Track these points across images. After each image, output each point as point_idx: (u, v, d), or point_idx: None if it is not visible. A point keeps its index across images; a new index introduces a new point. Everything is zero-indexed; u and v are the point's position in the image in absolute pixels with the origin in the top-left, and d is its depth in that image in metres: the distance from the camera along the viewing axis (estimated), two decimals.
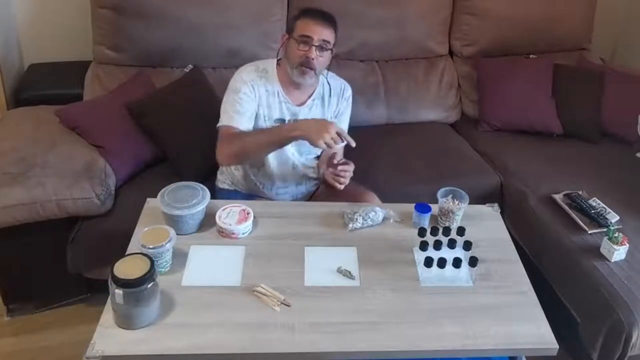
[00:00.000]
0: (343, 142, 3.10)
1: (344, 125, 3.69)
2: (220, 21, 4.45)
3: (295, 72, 3.34)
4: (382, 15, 4.81)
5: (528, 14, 5.02)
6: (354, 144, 3.12)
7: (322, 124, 3.10)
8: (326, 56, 3.36)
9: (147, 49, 4.44)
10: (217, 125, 3.40)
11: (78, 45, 4.73)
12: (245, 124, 3.35)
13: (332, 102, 3.62)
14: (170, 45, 4.44)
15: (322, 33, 3.27)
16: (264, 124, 3.44)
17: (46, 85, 4.52)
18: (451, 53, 5.23)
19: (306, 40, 3.26)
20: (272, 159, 3.54)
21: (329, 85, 3.59)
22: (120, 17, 4.30)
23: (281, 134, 3.22)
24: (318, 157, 3.76)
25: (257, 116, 3.42)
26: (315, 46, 3.26)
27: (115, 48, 4.42)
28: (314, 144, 3.07)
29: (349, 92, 3.69)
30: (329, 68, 3.50)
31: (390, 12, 4.82)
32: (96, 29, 4.40)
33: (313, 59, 3.28)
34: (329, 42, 3.31)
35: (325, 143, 3.02)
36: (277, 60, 3.52)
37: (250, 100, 3.37)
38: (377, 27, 4.84)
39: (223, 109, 3.42)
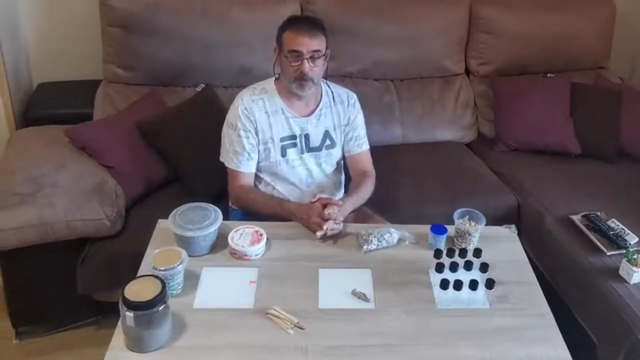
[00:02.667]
0: (338, 223, 3.18)
1: (360, 130, 3.72)
2: (231, 39, 4.48)
3: (294, 85, 3.36)
4: (397, 34, 4.83)
5: (545, 32, 5.04)
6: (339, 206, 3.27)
7: (308, 217, 3.22)
8: (320, 64, 3.36)
9: (158, 68, 4.47)
10: (220, 159, 3.53)
11: (88, 64, 4.75)
12: (245, 165, 3.48)
13: (339, 110, 3.63)
14: (181, 64, 4.47)
15: (310, 44, 3.26)
16: (271, 145, 3.49)
17: (56, 105, 4.53)
18: (467, 72, 5.24)
19: (296, 55, 3.26)
20: (291, 197, 3.60)
21: (332, 93, 3.61)
22: (130, 35, 4.34)
23: (282, 212, 3.36)
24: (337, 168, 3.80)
25: (260, 142, 3.47)
26: (307, 59, 3.26)
27: (126, 67, 4.45)
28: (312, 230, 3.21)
29: (354, 98, 3.70)
30: (332, 81, 3.47)
31: (404, 30, 4.84)
32: (106, 48, 4.44)
33: (307, 72, 3.28)
34: (319, 51, 3.30)
35: (321, 227, 3.13)
36: (276, 76, 3.52)
37: (246, 138, 3.42)
38: (391, 45, 4.85)
39: (223, 141, 3.52)
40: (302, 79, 3.31)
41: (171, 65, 4.47)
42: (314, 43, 3.27)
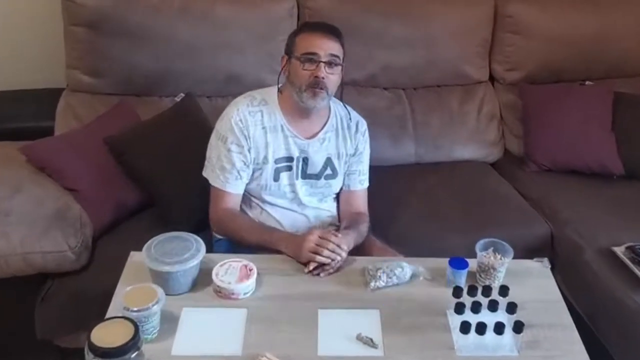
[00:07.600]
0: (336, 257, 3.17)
1: (366, 164, 3.74)
2: (218, 41, 4.50)
3: (304, 95, 3.33)
4: (408, 34, 4.84)
5: (582, 32, 5.04)
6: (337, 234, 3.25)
7: (302, 244, 3.17)
8: (337, 72, 3.36)
9: (130, 74, 4.48)
10: (203, 174, 3.52)
11: (48, 69, 4.77)
12: (232, 184, 3.46)
13: (346, 136, 3.63)
14: (157, 70, 4.49)
15: (328, 47, 3.27)
16: (265, 166, 3.48)
17: (10, 118, 4.53)
18: (492, 79, 5.25)
19: (311, 57, 3.27)
20: (282, 221, 3.61)
21: (342, 115, 3.62)
22: (98, 36, 4.35)
23: (271, 241, 3.34)
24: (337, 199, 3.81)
25: (254, 161, 3.47)
26: (324, 62, 3.26)
27: (92, 73, 4.46)
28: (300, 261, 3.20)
29: (364, 126, 3.71)
30: (347, 100, 3.48)
31: (417, 30, 4.86)
32: (70, 51, 4.44)
33: (323, 78, 3.27)
34: (337, 57, 3.31)
35: (317, 254, 3.13)
36: (279, 87, 3.53)
37: (238, 153, 3.41)
38: (402, 48, 4.86)
39: (208, 154, 3.52)
40: (315, 85, 3.29)
41: (145, 71, 4.48)
42: (332, 45, 3.29)
